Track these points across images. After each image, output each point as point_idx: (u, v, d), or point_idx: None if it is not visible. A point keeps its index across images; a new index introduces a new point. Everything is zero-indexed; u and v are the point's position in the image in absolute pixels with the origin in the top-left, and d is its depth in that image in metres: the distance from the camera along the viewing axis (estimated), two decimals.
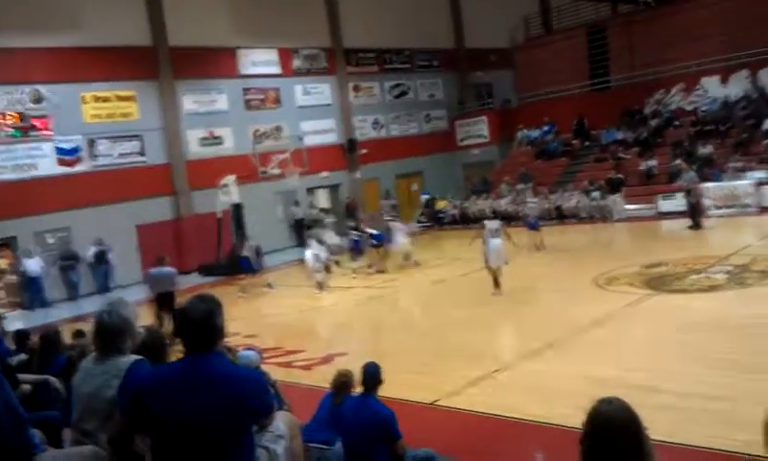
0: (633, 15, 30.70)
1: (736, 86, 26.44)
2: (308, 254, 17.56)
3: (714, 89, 26.98)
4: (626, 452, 2.55)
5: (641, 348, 9.49)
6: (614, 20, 31.75)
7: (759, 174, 21.65)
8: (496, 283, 13.93)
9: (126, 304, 4.01)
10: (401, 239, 19.50)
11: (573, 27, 32.50)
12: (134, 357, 3.74)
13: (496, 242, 13.99)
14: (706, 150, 24.25)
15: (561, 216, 25.00)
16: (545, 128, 30.91)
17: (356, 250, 21.53)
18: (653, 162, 25.15)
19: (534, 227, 19.58)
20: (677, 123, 26.98)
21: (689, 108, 27.40)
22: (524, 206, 23.12)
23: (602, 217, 23.82)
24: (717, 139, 24.72)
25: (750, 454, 5.23)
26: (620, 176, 24.75)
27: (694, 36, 26.54)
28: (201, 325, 3.10)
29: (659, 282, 13.30)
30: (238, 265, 19.28)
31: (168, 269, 13.80)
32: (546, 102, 31.00)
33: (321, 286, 17.12)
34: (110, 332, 3.80)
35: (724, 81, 26.79)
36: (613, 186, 24.14)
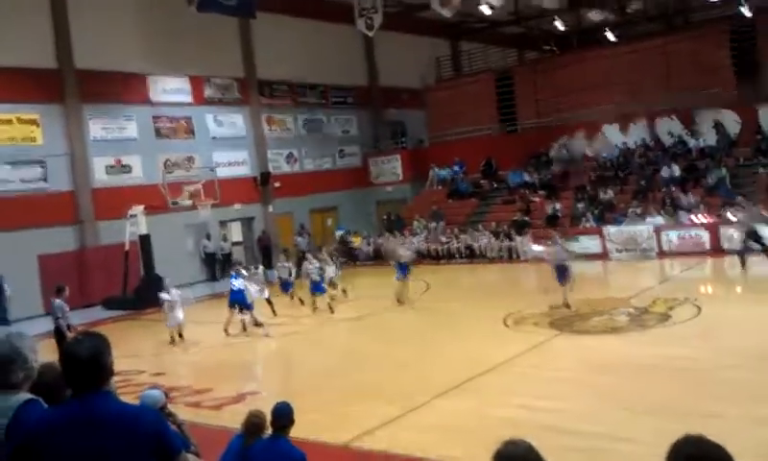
0: (537, 63, 31.98)
1: (635, 135, 27.86)
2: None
3: (614, 137, 28.32)
4: None
5: (547, 388, 9.74)
6: (520, 66, 32.98)
7: (658, 219, 22.75)
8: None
9: (22, 337, 3.77)
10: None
11: (482, 70, 33.55)
12: (24, 396, 3.50)
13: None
14: (607, 195, 25.36)
15: (471, 255, 25.55)
16: (456, 167, 31.58)
17: (286, 286, 19.99)
18: (558, 205, 26.07)
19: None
20: (580, 168, 28.10)
21: (591, 153, 28.63)
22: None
23: (510, 257, 24.44)
24: (618, 185, 25.90)
25: None
26: (525, 218, 25.46)
27: (595, 85, 27.90)
28: (88, 363, 2.94)
29: (564, 323, 13.73)
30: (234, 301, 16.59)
31: (55, 301, 13.28)
32: (456, 142, 31.73)
33: (253, 323, 16.31)
34: (2, 364, 3.58)
35: (623, 129, 28.16)
36: (519, 228, 24.85)
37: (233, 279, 16.45)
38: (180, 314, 15.67)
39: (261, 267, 20.07)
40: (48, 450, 2.86)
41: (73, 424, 2.88)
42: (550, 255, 16.05)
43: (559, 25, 33.44)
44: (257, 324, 16.17)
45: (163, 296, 15.72)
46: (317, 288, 18.15)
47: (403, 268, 18.44)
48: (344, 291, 19.62)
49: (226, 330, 16.01)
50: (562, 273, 15.14)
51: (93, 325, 16.80)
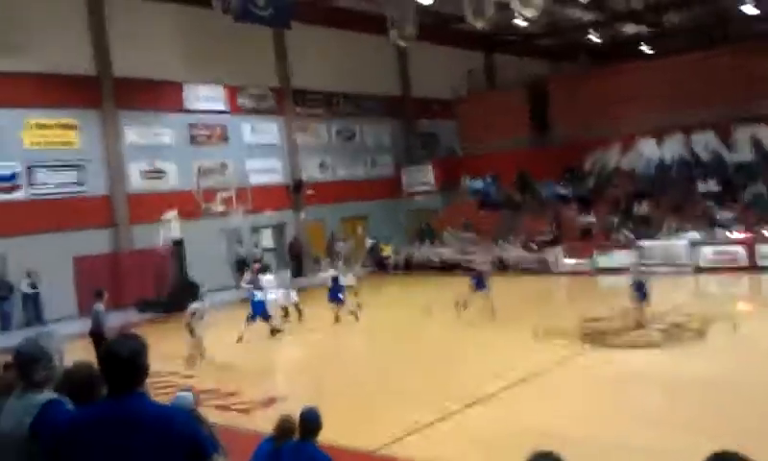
0: (572, 75, 31.71)
1: (671, 149, 27.47)
2: (261, 297, 16.78)
3: (650, 151, 27.97)
4: None
5: (578, 401, 9.63)
6: (555, 78, 32.75)
7: (694, 235, 22.40)
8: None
9: (49, 336, 3.84)
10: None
11: (515, 83, 33.38)
12: (48, 396, 3.54)
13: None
14: (642, 209, 25.04)
15: (503, 267, 25.39)
16: (488, 179, 31.47)
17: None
18: (591, 219, 25.81)
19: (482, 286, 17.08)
20: (615, 182, 27.81)
21: (626, 167, 28.32)
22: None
23: (541, 270, 24.25)
24: (653, 199, 25.56)
25: None
26: (557, 232, 25.12)
27: (630, 98, 27.59)
28: (126, 363, 3.00)
29: (596, 337, 13.55)
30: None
31: (96, 306, 13.43)
32: (490, 154, 31.60)
33: (277, 329, 16.79)
34: (25, 361, 3.62)
35: (659, 143, 27.81)
36: (553, 241, 24.65)
37: (256, 291, 16.68)
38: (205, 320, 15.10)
39: (289, 272, 20.10)
40: (82, 448, 2.90)
41: (107, 423, 2.92)
42: (632, 271, 15.28)
43: (594, 37, 33.20)
44: (277, 330, 16.57)
45: (194, 305, 15.18)
46: (334, 297, 17.95)
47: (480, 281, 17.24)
48: (357, 306, 18.49)
49: (240, 339, 16.20)
50: (640, 289, 14.28)
51: (126, 327, 17.00)
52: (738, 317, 14.28)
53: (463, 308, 16.81)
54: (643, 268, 15.13)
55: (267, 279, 18.80)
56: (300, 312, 18.44)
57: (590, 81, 30.19)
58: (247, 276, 19.40)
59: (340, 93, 32.66)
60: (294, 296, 18.59)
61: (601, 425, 8.37)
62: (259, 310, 16.55)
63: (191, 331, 14.30)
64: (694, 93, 26.16)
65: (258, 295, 16.62)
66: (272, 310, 17.05)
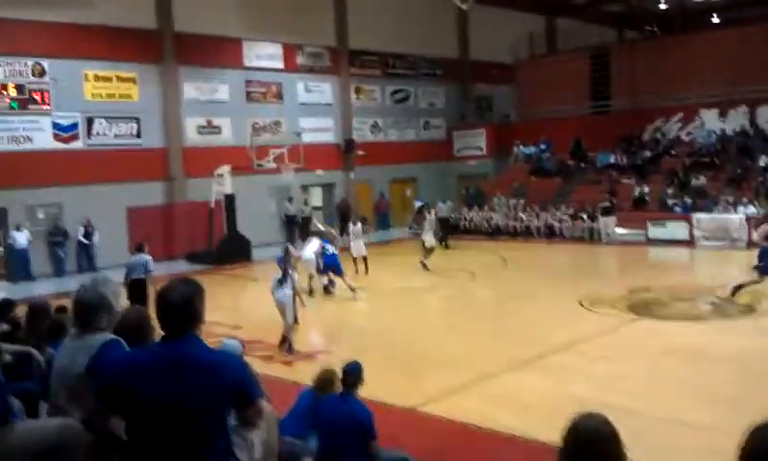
0: (637, 43, 30.89)
1: (734, 121, 26.68)
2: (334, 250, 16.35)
3: (712, 122, 27.22)
4: None
5: (621, 371, 9.54)
6: (619, 46, 31.94)
7: (750, 209, 21.80)
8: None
9: (106, 282, 3.97)
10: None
11: (577, 49, 32.63)
12: (108, 336, 3.67)
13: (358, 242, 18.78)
14: (699, 181, 24.43)
15: (550, 234, 25.17)
16: (542, 146, 31.03)
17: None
18: (646, 189, 25.29)
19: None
20: (673, 152, 27.16)
21: (686, 138, 27.61)
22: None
23: (591, 239, 23.94)
24: (711, 172, 24.89)
25: None
26: (609, 203, 24.44)
27: (696, 68, 26.77)
28: (180, 307, 3.06)
29: (643, 308, 13.38)
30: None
31: (140, 256, 13.67)
32: (545, 120, 31.12)
33: (326, 290, 16.47)
34: (86, 308, 3.75)
35: (722, 115, 27.03)
36: (605, 211, 24.20)
37: (327, 244, 16.36)
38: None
39: (359, 223, 19.76)
40: (135, 388, 3.00)
41: (160, 365, 3.00)
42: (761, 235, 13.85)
43: (661, 5, 32.13)
44: (355, 290, 16.04)
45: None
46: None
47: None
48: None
49: (310, 292, 16.00)
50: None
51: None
52: None
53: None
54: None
55: (354, 229, 19.23)
56: (366, 267, 18.81)
57: (655, 50, 29.28)
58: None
59: (396, 54, 32.47)
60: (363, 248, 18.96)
61: (644, 398, 8.28)
62: (332, 263, 16.21)
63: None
64: (760, 66, 25.20)
65: (331, 249, 16.23)
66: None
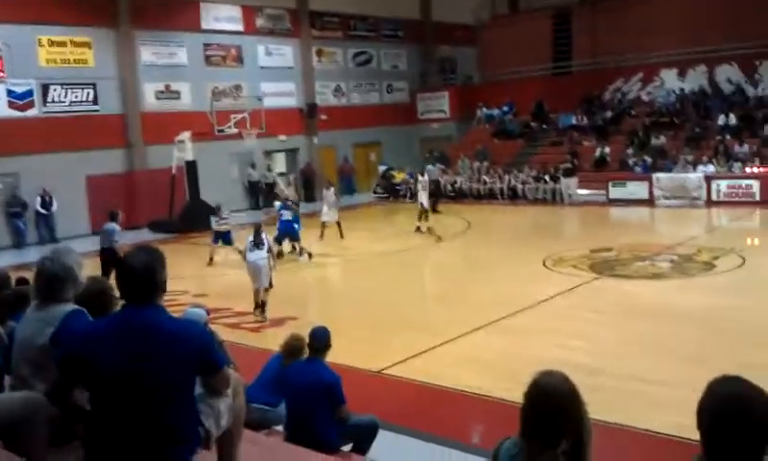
0: (598, 2, 30.91)
1: (693, 81, 27.05)
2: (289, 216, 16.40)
3: (672, 82, 27.55)
4: (566, 424, 2.59)
5: (582, 329, 9.72)
6: (580, 5, 31.94)
7: (709, 168, 22.22)
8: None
9: (69, 253, 3.92)
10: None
11: (539, 9, 32.60)
12: (72, 307, 3.65)
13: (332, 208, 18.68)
14: (659, 141, 24.79)
15: (513, 196, 25.37)
16: (505, 108, 31.10)
17: None
18: (606, 149, 25.59)
19: None
20: (633, 112, 27.47)
21: (647, 98, 27.92)
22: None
23: (553, 200, 24.20)
24: (671, 131, 25.26)
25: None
26: (571, 164, 24.69)
27: (656, 28, 26.98)
28: (142, 275, 3.03)
29: (604, 267, 13.61)
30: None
31: (108, 225, 13.58)
32: (508, 82, 31.17)
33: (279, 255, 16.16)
34: (51, 279, 3.71)
35: (681, 74, 27.35)
36: (566, 172, 24.44)
37: (283, 210, 16.41)
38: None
39: (332, 188, 19.71)
40: (95, 356, 2.96)
41: (123, 333, 2.97)
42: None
43: None
44: (306, 253, 16.15)
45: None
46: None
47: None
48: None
49: (279, 254, 15.64)
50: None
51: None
52: (748, 251, 14.27)
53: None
54: None
55: (327, 194, 19.20)
56: (341, 232, 18.82)
57: (616, 10, 29.37)
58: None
59: (358, 16, 32.11)
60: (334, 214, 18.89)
61: (605, 356, 8.47)
62: (288, 229, 16.20)
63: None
64: (719, 26, 25.49)
65: (286, 215, 16.27)
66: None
